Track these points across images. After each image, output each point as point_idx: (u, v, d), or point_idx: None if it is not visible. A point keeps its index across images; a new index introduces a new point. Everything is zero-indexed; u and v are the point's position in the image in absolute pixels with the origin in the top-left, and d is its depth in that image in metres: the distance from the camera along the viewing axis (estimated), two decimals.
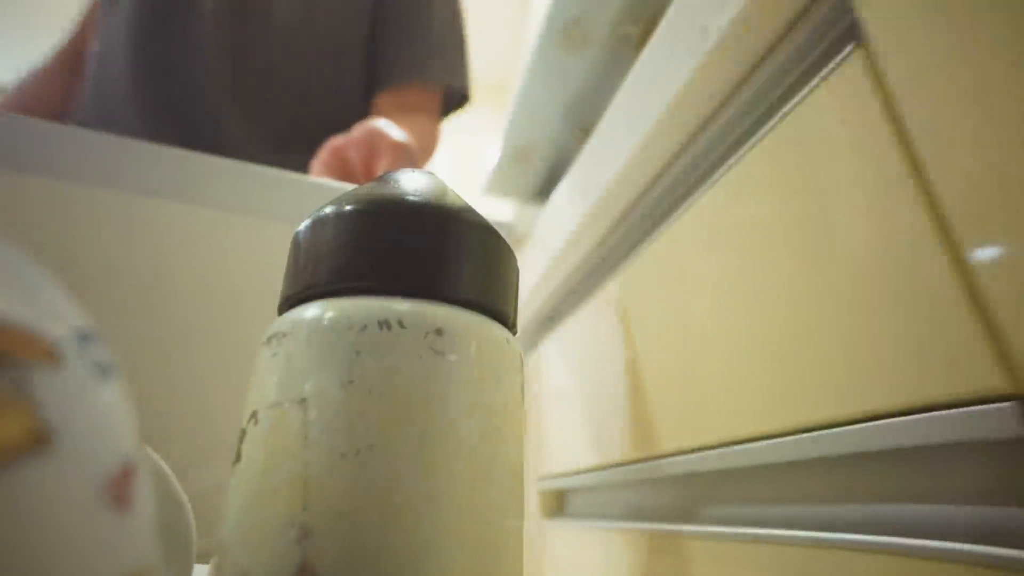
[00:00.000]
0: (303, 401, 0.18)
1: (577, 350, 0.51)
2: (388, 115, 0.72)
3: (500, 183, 1.42)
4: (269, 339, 0.20)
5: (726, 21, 0.29)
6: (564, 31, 0.92)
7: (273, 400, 0.18)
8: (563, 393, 0.53)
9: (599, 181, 0.43)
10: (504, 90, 2.44)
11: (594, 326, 0.47)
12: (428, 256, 0.20)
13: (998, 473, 0.18)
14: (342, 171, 0.51)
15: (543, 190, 1.44)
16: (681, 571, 0.32)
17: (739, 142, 0.33)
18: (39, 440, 0.08)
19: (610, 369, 0.43)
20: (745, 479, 0.30)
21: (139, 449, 0.11)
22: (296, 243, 0.22)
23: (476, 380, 0.19)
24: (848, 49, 0.24)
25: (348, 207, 0.21)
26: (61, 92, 0.76)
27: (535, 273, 0.59)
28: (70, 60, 0.78)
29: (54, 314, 0.10)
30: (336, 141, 0.52)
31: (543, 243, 0.57)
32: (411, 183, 0.22)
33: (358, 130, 0.52)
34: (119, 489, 0.09)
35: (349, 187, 0.48)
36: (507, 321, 0.22)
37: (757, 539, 0.27)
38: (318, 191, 0.46)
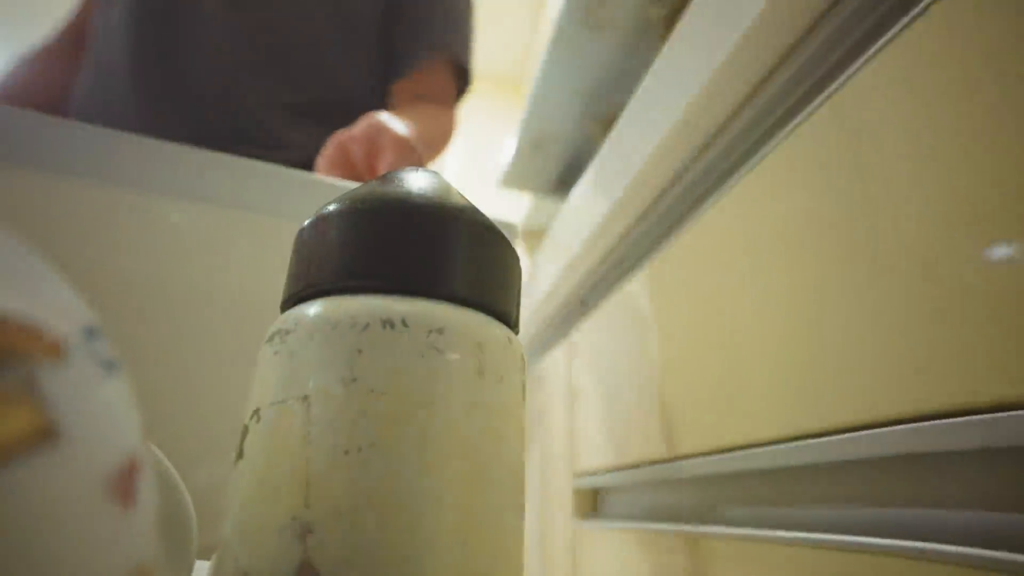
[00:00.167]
0: (305, 399, 0.18)
1: (609, 343, 0.49)
2: (405, 104, 0.73)
3: (516, 175, 1.39)
4: (272, 337, 0.20)
5: None
6: (586, 12, 0.88)
7: (275, 397, 0.18)
8: (595, 388, 0.51)
9: (626, 164, 0.42)
10: (519, 84, 2.43)
11: (624, 320, 0.46)
12: (430, 255, 0.20)
13: None
14: (346, 166, 0.51)
15: (560, 182, 1.41)
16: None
17: (774, 129, 0.31)
18: (45, 436, 0.08)
19: (641, 365, 0.42)
20: (788, 480, 0.29)
21: (143, 445, 0.11)
22: (299, 241, 0.22)
23: (477, 380, 0.19)
24: (904, 21, 0.22)
25: (351, 206, 0.21)
26: (64, 70, 0.75)
27: (559, 265, 0.58)
28: (73, 37, 0.78)
29: (60, 310, 0.10)
30: (339, 136, 0.52)
31: (566, 235, 0.56)
32: (415, 182, 0.22)
33: (361, 125, 0.52)
34: (124, 485, 0.09)
35: (353, 185, 0.48)
36: (509, 321, 0.22)
37: (804, 544, 0.26)
38: (322, 189, 0.46)
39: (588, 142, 1.19)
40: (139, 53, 0.65)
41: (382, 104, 0.75)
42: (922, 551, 0.20)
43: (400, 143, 0.50)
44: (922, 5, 0.22)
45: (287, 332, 0.19)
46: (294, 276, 0.22)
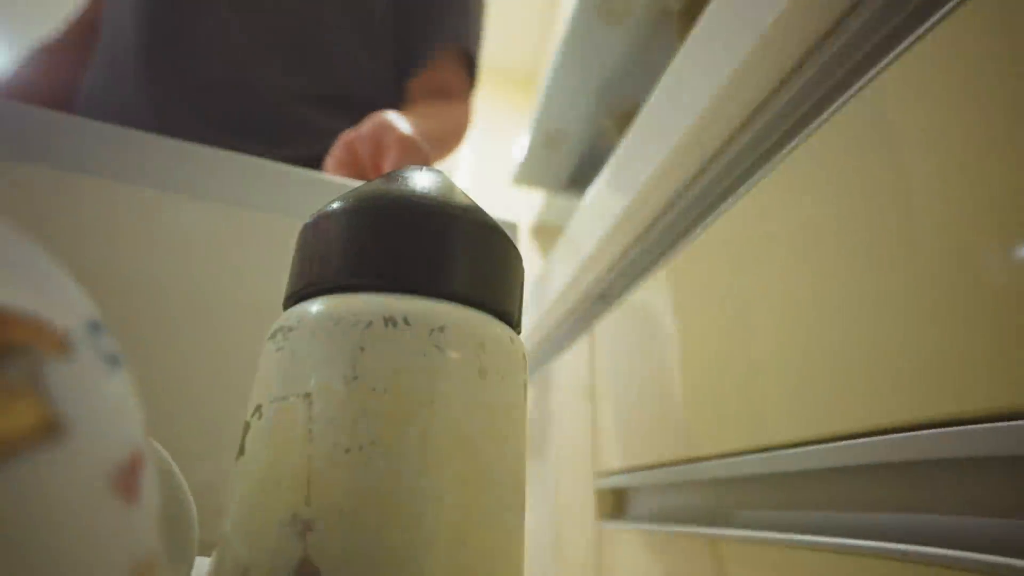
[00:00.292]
0: (307, 396, 0.18)
1: (630, 341, 0.49)
2: (421, 101, 0.73)
3: (529, 172, 1.38)
4: (274, 333, 0.20)
5: None
6: (602, 2, 0.86)
7: (277, 394, 0.18)
8: (615, 387, 0.51)
9: (644, 162, 0.41)
10: (532, 81, 2.43)
11: (644, 318, 0.45)
12: (433, 254, 0.20)
13: None
14: (353, 166, 0.51)
15: (573, 179, 1.39)
16: None
17: (795, 129, 0.30)
18: (50, 430, 0.08)
19: (661, 365, 0.41)
20: (812, 483, 0.28)
21: (146, 440, 0.11)
22: (302, 239, 0.22)
23: (479, 379, 0.19)
24: (933, 20, 0.21)
25: (354, 204, 0.21)
26: (72, 66, 0.75)
27: (575, 263, 0.57)
28: (81, 32, 0.78)
29: (64, 305, 0.10)
30: (346, 136, 0.52)
31: (583, 233, 0.56)
32: (418, 181, 0.22)
33: (367, 124, 0.52)
34: (127, 480, 0.09)
35: (356, 183, 0.48)
36: (511, 320, 0.22)
37: (831, 549, 0.25)
38: (326, 187, 0.46)
39: (602, 138, 1.18)
40: (148, 44, 0.65)
41: (397, 97, 0.75)
42: (949, 558, 0.19)
43: (405, 142, 0.50)
44: (951, 4, 0.21)
45: (289, 329, 0.20)
46: (297, 273, 0.22)
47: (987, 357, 0.19)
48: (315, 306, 0.19)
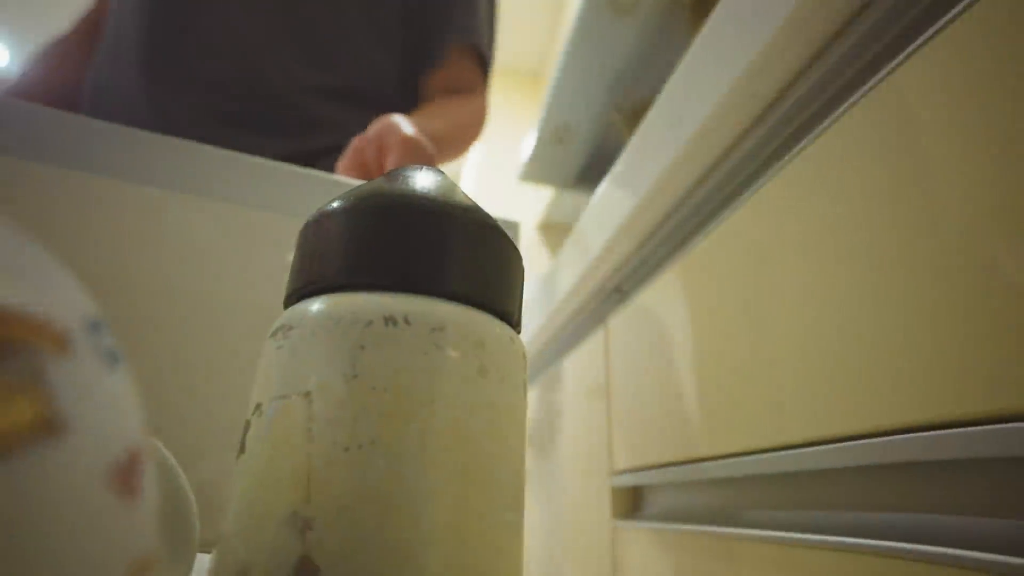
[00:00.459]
0: (307, 394, 0.18)
1: (644, 338, 0.48)
2: (438, 98, 0.74)
3: (537, 169, 1.36)
4: (275, 332, 0.20)
5: None
6: None
7: (278, 393, 0.19)
8: (630, 385, 0.50)
9: (656, 158, 0.40)
10: (539, 80, 2.43)
11: (658, 315, 0.45)
12: (433, 253, 0.20)
13: None
14: (360, 169, 0.52)
15: (581, 176, 1.37)
16: None
17: (810, 124, 0.30)
18: (50, 427, 0.08)
19: (675, 362, 0.41)
20: (829, 482, 0.28)
21: (146, 438, 0.11)
22: (303, 237, 0.22)
23: (478, 378, 0.19)
24: (961, 4, 0.21)
25: (355, 203, 0.21)
26: (79, 65, 0.76)
27: (585, 261, 0.57)
28: (88, 31, 0.78)
29: (65, 303, 0.10)
30: (355, 141, 0.53)
31: (593, 230, 0.55)
32: (419, 180, 0.22)
33: (373, 126, 0.53)
34: (126, 477, 0.10)
35: (358, 183, 0.48)
36: (511, 320, 0.22)
37: (850, 549, 0.24)
38: (328, 186, 0.46)
39: (611, 134, 1.16)
40: (151, 35, 0.65)
41: (407, 92, 0.75)
42: (985, 562, 0.19)
43: (408, 142, 0.50)
44: None
45: (290, 328, 0.20)
46: (297, 272, 0.22)
47: (1000, 358, 0.19)
48: (316, 305, 0.20)
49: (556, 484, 0.74)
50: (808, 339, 0.28)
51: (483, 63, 0.79)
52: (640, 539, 0.46)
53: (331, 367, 0.18)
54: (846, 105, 0.27)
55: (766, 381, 0.31)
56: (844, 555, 0.25)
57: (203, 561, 0.28)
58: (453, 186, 0.23)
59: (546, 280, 0.78)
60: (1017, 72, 0.19)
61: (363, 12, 0.72)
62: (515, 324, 0.23)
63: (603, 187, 0.55)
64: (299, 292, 0.21)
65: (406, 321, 0.19)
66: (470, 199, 0.23)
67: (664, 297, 0.45)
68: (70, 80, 0.74)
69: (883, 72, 0.25)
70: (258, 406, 0.19)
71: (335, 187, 0.46)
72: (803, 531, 0.28)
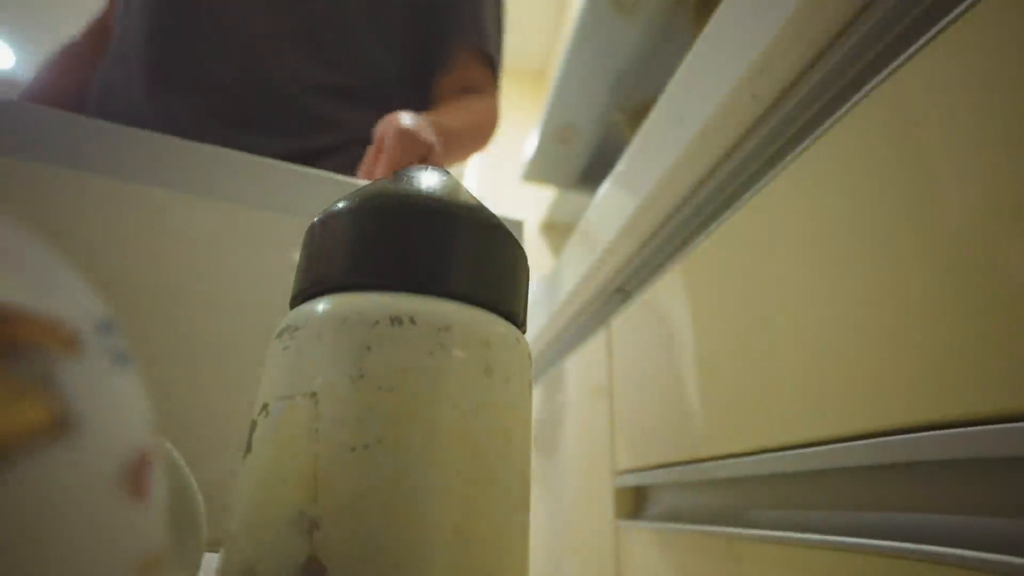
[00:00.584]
0: (313, 394, 0.18)
1: (647, 337, 0.48)
2: (450, 99, 0.74)
3: (539, 168, 1.35)
4: (281, 332, 0.20)
5: None
6: None
7: (284, 393, 0.19)
8: (633, 385, 0.50)
9: (659, 157, 0.40)
10: (542, 80, 2.42)
11: (661, 315, 0.45)
12: (439, 253, 0.20)
13: None
14: (367, 171, 0.53)
15: (584, 176, 1.37)
16: None
17: (813, 124, 0.30)
18: (60, 427, 0.08)
19: (679, 362, 0.41)
20: (835, 483, 0.28)
21: (155, 438, 0.11)
22: (309, 238, 0.22)
23: (484, 378, 0.19)
24: (965, 3, 0.21)
25: (360, 203, 0.21)
26: (88, 68, 0.76)
27: (589, 261, 0.57)
28: (97, 35, 0.79)
29: (75, 304, 0.10)
30: (369, 150, 0.54)
31: (597, 229, 0.55)
32: (424, 180, 0.22)
33: (378, 125, 0.54)
34: (135, 477, 0.10)
35: (363, 183, 0.49)
36: (516, 320, 0.22)
37: (858, 549, 0.24)
38: (333, 186, 0.46)
39: (613, 134, 1.16)
40: (155, 37, 0.66)
41: (414, 92, 0.76)
42: (991, 562, 0.19)
43: (402, 133, 0.50)
44: None
45: (296, 328, 0.20)
46: (303, 272, 0.22)
47: (1000, 358, 0.19)
48: (321, 305, 0.20)
49: (559, 484, 0.74)
50: (810, 339, 0.28)
51: (492, 65, 0.79)
52: (643, 539, 0.46)
53: (337, 367, 0.18)
54: (848, 105, 0.27)
55: (768, 381, 0.31)
56: (847, 555, 0.25)
57: (210, 561, 0.28)
58: (458, 186, 0.23)
59: (549, 280, 0.78)
60: (1019, 72, 0.19)
61: (366, 12, 0.72)
62: (520, 324, 0.23)
63: (606, 187, 0.55)
64: (305, 292, 0.21)
65: (412, 321, 0.19)
66: (475, 199, 0.23)
67: (667, 297, 0.45)
68: (81, 84, 0.75)
69: (885, 72, 0.25)
70: (264, 406, 0.19)
71: (340, 187, 0.46)
72: (806, 531, 0.28)
